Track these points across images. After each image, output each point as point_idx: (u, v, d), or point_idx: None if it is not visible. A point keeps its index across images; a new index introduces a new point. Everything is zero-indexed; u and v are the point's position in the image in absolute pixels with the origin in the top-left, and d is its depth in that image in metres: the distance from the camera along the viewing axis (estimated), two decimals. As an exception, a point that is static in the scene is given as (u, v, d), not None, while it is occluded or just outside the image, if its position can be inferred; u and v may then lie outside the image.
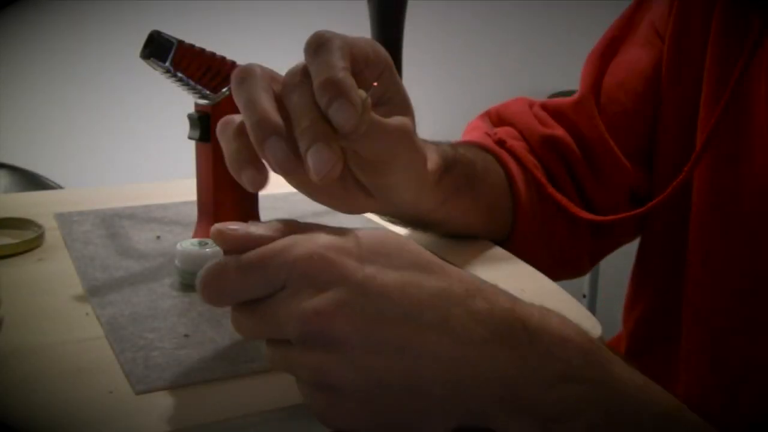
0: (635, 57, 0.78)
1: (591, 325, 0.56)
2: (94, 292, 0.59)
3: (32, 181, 1.45)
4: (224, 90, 0.61)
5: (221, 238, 0.42)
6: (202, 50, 0.61)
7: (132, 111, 1.96)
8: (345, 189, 0.55)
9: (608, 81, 0.78)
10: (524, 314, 0.41)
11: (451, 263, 0.44)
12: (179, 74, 0.60)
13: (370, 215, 0.77)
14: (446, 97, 2.25)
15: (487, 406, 0.40)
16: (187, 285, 0.59)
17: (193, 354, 0.49)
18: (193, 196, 0.66)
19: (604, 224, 0.77)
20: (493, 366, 0.39)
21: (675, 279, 0.75)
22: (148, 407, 0.44)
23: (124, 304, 0.56)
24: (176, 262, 0.60)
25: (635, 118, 0.77)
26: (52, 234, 0.71)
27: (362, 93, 0.46)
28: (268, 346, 0.42)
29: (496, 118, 0.82)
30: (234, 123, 0.47)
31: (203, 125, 0.62)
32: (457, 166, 0.65)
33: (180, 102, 0.80)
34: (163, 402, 0.44)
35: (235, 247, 0.42)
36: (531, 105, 0.81)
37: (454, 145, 0.69)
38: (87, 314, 0.55)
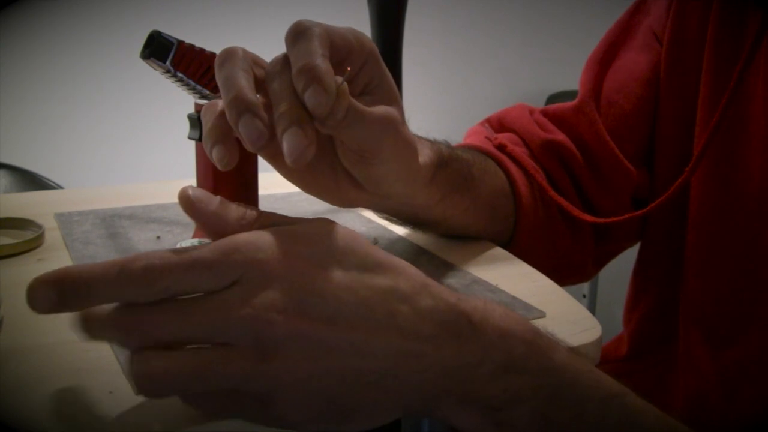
0: (634, 61, 0.78)
1: (591, 325, 0.56)
2: (94, 292, 0.58)
3: (32, 181, 1.45)
4: (224, 90, 0.61)
5: (187, 205, 0.42)
6: (202, 50, 0.61)
7: (132, 111, 1.96)
8: (336, 181, 0.56)
9: (608, 85, 0.78)
10: (468, 309, 0.42)
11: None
12: (179, 74, 0.60)
13: (370, 215, 0.77)
14: (446, 98, 2.25)
15: (435, 397, 0.41)
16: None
17: (193, 354, 0.49)
18: (192, 196, 0.66)
19: (607, 227, 0.77)
20: (439, 359, 0.41)
21: (675, 279, 0.76)
22: (148, 407, 0.43)
23: (124, 304, 0.56)
24: (176, 262, 0.60)
25: (635, 121, 0.77)
26: (52, 234, 0.71)
27: (338, 79, 0.46)
28: (186, 354, 0.38)
29: (497, 124, 0.82)
30: (218, 106, 0.47)
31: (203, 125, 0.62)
32: (453, 164, 0.65)
33: (180, 102, 0.80)
34: (163, 402, 0.44)
35: (198, 220, 0.42)
36: (531, 111, 0.81)
37: (452, 146, 0.68)
38: (87, 314, 0.55)
